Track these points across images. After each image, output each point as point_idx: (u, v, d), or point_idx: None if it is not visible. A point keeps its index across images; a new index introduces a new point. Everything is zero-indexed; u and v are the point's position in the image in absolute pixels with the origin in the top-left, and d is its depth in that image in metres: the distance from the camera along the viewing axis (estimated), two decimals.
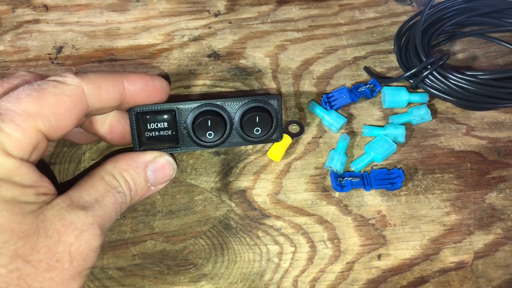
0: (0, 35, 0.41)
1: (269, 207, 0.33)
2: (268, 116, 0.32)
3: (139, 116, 0.30)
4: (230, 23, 0.43)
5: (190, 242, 0.31)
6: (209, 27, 0.42)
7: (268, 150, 0.35)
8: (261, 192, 0.34)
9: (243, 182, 0.34)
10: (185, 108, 0.31)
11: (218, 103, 0.31)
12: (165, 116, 0.31)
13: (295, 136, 0.36)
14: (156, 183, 0.29)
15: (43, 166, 0.33)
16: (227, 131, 0.31)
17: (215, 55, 0.41)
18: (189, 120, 0.31)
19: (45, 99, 0.24)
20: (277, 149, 0.34)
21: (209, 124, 0.31)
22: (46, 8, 0.43)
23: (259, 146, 0.36)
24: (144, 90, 0.29)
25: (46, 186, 0.25)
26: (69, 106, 0.25)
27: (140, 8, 0.44)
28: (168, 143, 0.31)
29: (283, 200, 0.33)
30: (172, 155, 0.31)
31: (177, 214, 0.32)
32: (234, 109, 0.31)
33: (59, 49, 0.40)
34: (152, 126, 0.30)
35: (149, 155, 0.29)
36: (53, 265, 0.23)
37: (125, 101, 0.29)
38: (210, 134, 0.31)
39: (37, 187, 0.24)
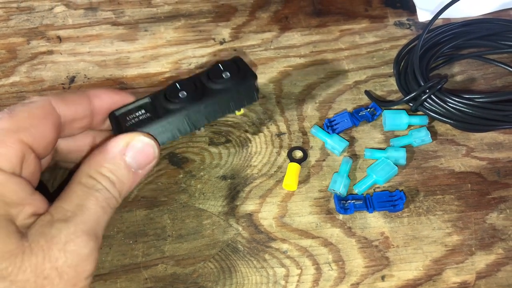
0: (16, 66, 0.43)
1: (275, 230, 0.34)
2: (233, 63, 0.34)
3: (116, 116, 0.31)
4: (235, 50, 0.45)
5: (200, 265, 0.32)
6: (215, 55, 0.44)
7: (282, 183, 0.36)
8: (267, 216, 0.35)
9: (250, 206, 0.35)
10: (158, 93, 0.32)
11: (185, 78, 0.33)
12: (141, 106, 0.32)
13: (299, 162, 0.37)
14: (140, 166, 0.29)
15: None
16: (198, 88, 0.33)
17: None
18: (162, 94, 0.32)
19: (17, 115, 0.26)
20: (290, 179, 0.35)
21: (179, 87, 0.32)
22: (60, 39, 0.45)
23: (265, 170, 0.37)
24: (113, 104, 0.31)
25: (37, 204, 0.25)
26: (42, 115, 0.27)
27: (148, 38, 0.45)
28: (149, 121, 0.31)
29: (289, 223, 0.34)
30: (150, 135, 0.30)
31: (186, 238, 0.34)
32: (202, 75, 0.34)
33: (72, 79, 0.42)
34: (131, 117, 0.31)
35: (122, 141, 0.28)
36: (41, 283, 0.23)
37: (95, 113, 0.30)
38: (182, 94, 0.32)
39: (24, 205, 0.24)
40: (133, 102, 0.32)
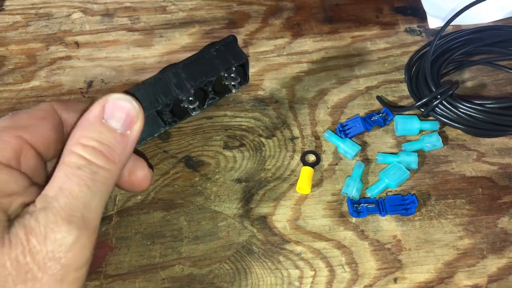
0: (36, 71, 0.44)
1: (289, 232, 0.35)
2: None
3: None
4: (248, 56, 0.45)
5: (216, 266, 0.33)
6: None
7: (296, 186, 0.37)
8: (281, 218, 0.35)
9: (264, 209, 0.36)
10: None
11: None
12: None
13: (312, 165, 0.38)
14: (126, 126, 0.26)
15: None
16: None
17: None
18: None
19: (18, 116, 0.26)
20: (304, 183, 0.36)
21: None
22: (77, 45, 0.46)
23: (278, 173, 0.38)
24: None
25: (30, 196, 0.24)
26: (41, 116, 0.27)
27: (163, 43, 0.46)
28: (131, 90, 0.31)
29: (302, 225, 0.35)
30: (127, 93, 0.27)
31: (202, 239, 0.34)
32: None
33: (90, 84, 0.43)
34: None
35: (97, 106, 0.25)
36: (23, 277, 0.21)
37: None
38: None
39: (15, 196, 0.23)
40: None
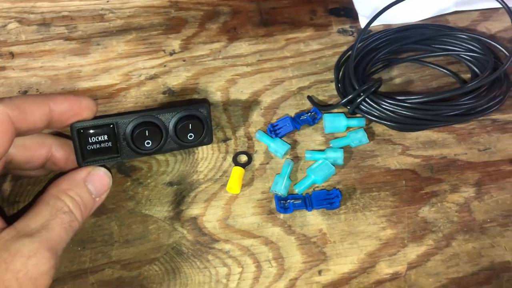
0: None
1: (218, 232, 0.36)
2: (199, 122, 0.36)
3: (80, 132, 0.33)
4: (184, 61, 0.46)
5: (145, 268, 0.34)
6: (165, 66, 0.46)
7: (226, 186, 0.38)
8: (211, 219, 0.36)
9: (195, 210, 0.37)
10: (123, 122, 0.34)
11: (153, 114, 0.34)
12: (105, 130, 0.33)
13: (244, 166, 0.39)
14: (98, 194, 0.32)
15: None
16: (163, 139, 0.35)
17: (169, 92, 0.44)
18: (128, 131, 0.34)
19: None
20: (233, 183, 0.37)
21: (147, 134, 0.34)
22: (12, 55, 0.46)
23: (210, 175, 0.39)
24: (70, 110, 0.32)
25: None
26: (1, 134, 0.28)
27: (100, 51, 0.47)
28: (110, 154, 0.34)
29: (232, 224, 0.36)
30: (106, 166, 0.34)
31: (132, 243, 0.35)
32: (168, 118, 0.35)
33: (24, 93, 0.43)
34: (93, 139, 0.33)
35: (84, 171, 0.32)
36: None
37: (52, 121, 0.31)
38: (148, 143, 0.35)
39: None
40: (97, 119, 0.33)
